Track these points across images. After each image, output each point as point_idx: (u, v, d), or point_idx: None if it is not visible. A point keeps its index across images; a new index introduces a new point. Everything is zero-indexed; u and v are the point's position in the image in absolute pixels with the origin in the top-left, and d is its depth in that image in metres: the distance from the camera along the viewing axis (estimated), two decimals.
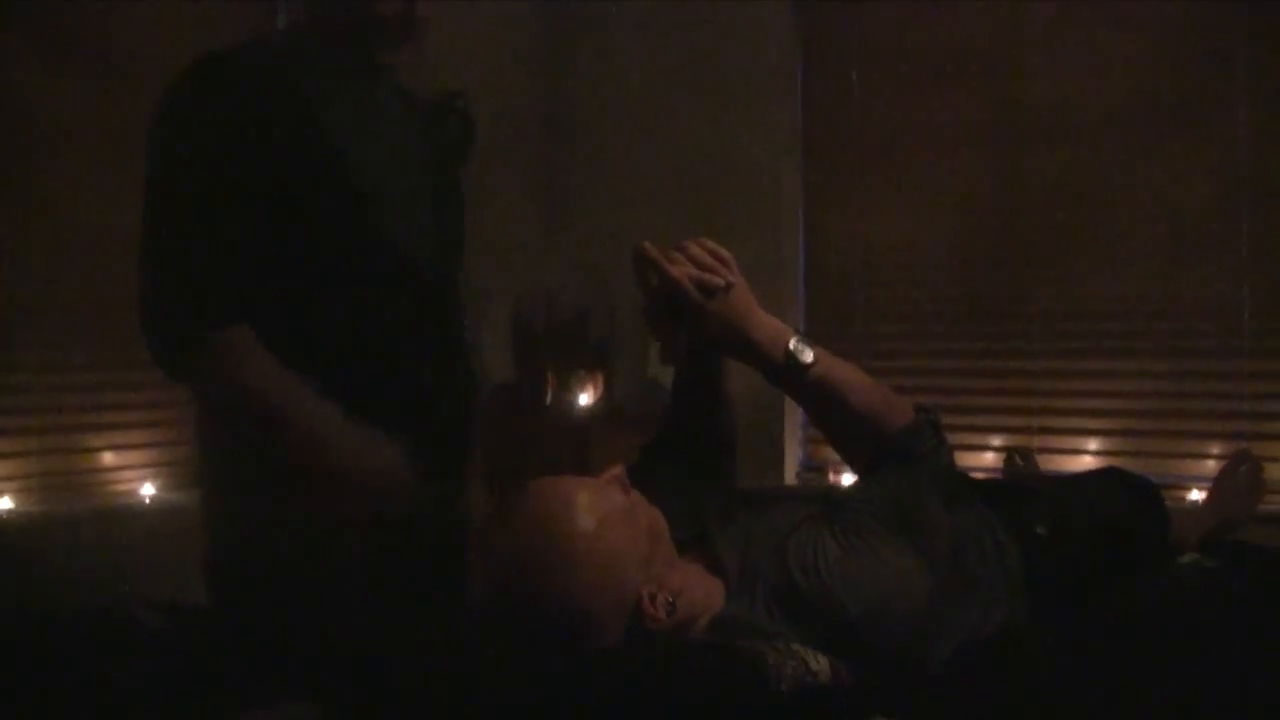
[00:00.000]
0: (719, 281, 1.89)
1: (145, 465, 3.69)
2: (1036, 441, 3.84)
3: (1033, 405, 3.94)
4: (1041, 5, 4.02)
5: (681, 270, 1.89)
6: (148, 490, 3.66)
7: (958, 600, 1.79)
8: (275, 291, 1.99)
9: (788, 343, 1.88)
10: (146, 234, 1.98)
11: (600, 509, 1.58)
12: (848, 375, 1.90)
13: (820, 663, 1.50)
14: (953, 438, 2.12)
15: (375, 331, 2.11)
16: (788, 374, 1.87)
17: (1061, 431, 3.87)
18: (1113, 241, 3.87)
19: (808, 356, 1.87)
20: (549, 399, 4.30)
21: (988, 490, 2.14)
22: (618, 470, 1.65)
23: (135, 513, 3.62)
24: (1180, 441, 3.66)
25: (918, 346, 4.15)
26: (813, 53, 4.47)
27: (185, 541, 3.38)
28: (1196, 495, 3.32)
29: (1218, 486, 2.93)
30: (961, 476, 2.15)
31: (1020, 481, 2.76)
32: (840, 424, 1.93)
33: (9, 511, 3.38)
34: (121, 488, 3.66)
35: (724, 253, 1.92)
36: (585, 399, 4.30)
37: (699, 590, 1.63)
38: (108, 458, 3.66)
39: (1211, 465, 3.47)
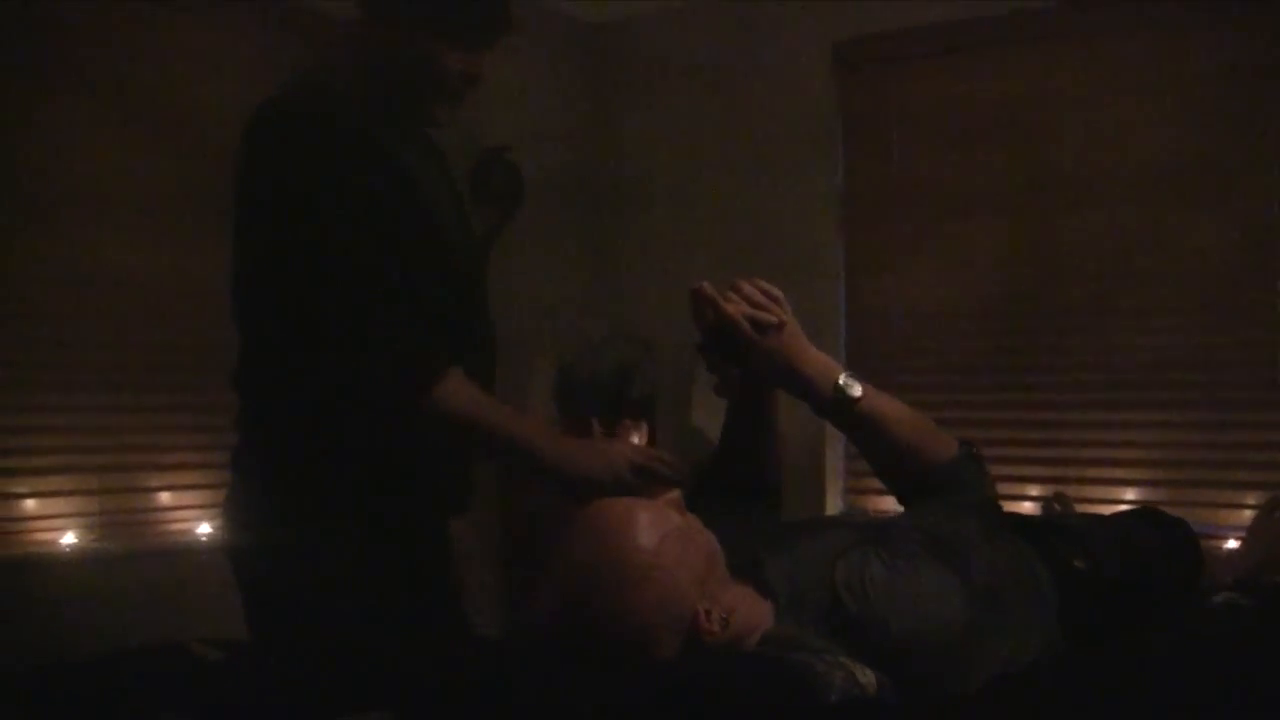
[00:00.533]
0: (771, 319, 1.98)
1: (201, 505, 3.79)
2: (1073, 491, 3.90)
3: (1069, 456, 4.02)
4: (1073, 72, 4.14)
5: (736, 307, 1.98)
6: (204, 529, 3.76)
7: (995, 628, 1.85)
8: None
9: (837, 378, 1.97)
10: (348, 292, 2.03)
11: (660, 529, 1.67)
12: (893, 409, 1.99)
13: (868, 676, 1.57)
14: None
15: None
16: (836, 407, 1.96)
17: (1097, 482, 3.94)
18: (1145, 298, 3.98)
19: (856, 391, 1.96)
20: None
21: (1026, 525, 2.21)
22: (674, 495, 1.74)
23: (191, 550, 3.72)
24: (1215, 491, 3.73)
25: (956, 399, 4.24)
26: (852, 118, 4.62)
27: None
28: (1233, 545, 3.37)
29: (1253, 532, 2.98)
30: (1002, 510, 2.23)
31: (1058, 519, 2.82)
32: (886, 455, 2.02)
33: (71, 547, 3.48)
34: (178, 526, 3.76)
35: (776, 292, 2.02)
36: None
37: (750, 609, 1.72)
38: (165, 497, 3.77)
39: (1247, 515, 3.53)
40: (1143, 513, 2.52)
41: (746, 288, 2.01)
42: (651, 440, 4.45)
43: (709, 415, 4.63)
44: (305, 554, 2.09)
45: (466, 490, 2.37)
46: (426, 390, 2.02)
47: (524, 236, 4.43)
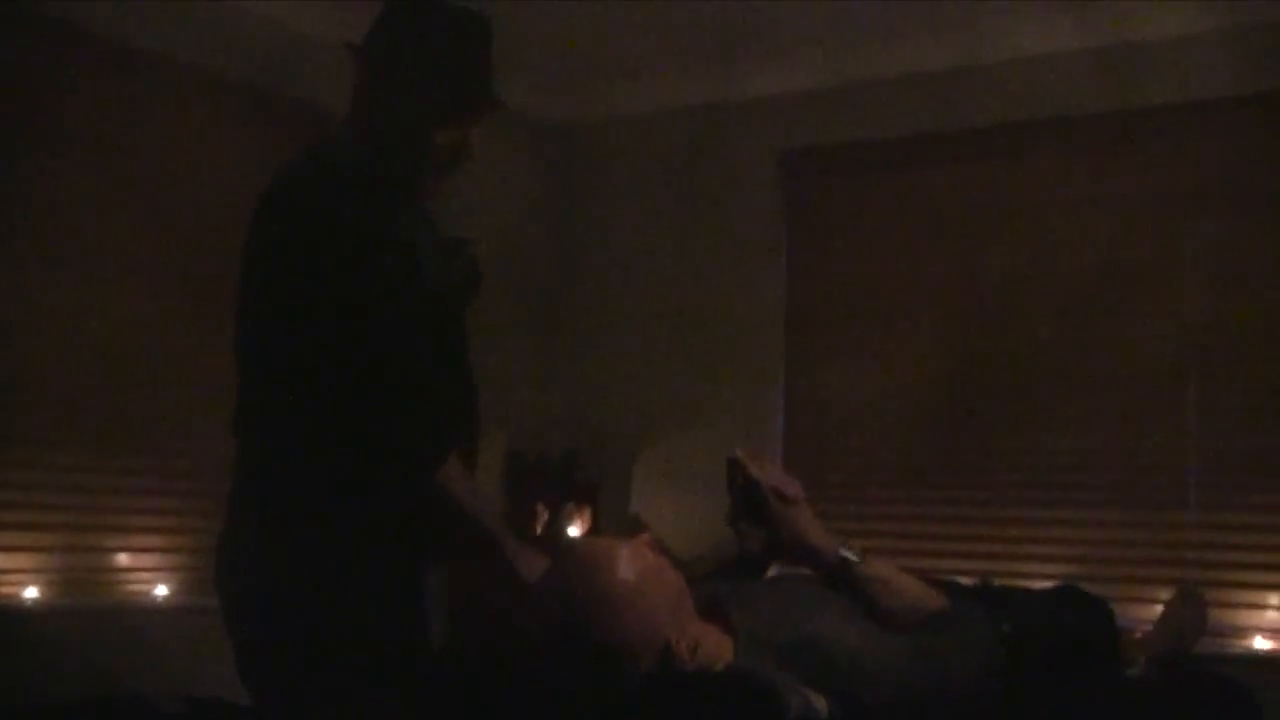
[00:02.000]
0: (791, 493, 2.24)
1: (159, 568, 3.89)
2: (999, 581, 4.09)
3: (996, 551, 4.21)
4: (1007, 187, 4.41)
5: (764, 475, 2.21)
6: (160, 590, 3.85)
7: (933, 667, 2.04)
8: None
9: (838, 549, 2.21)
10: (358, 383, 2.13)
11: (638, 565, 1.86)
12: (886, 571, 2.22)
13: (820, 701, 1.75)
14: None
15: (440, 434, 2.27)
16: (840, 571, 2.19)
17: (1022, 576, 4.13)
18: (1069, 402, 4.21)
19: (854, 558, 2.20)
20: (539, 529, 4.53)
21: (961, 591, 2.40)
22: (647, 536, 1.92)
23: (148, 611, 3.81)
24: (1131, 586, 3.93)
25: (890, 495, 4.45)
26: (796, 223, 4.85)
27: (196, 640, 3.60)
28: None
29: (1165, 616, 3.18)
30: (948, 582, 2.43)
31: (990, 589, 3.02)
32: (887, 607, 2.21)
33: (33, 601, 3.56)
34: (136, 587, 3.85)
35: (795, 482, 2.28)
36: (573, 530, 4.54)
37: (715, 642, 1.89)
38: (123, 558, 3.86)
39: (1157, 609, 3.73)
40: (1066, 590, 2.72)
41: (771, 467, 2.29)
42: (594, 524, 4.60)
43: (647, 504, 4.81)
44: (305, 588, 2.17)
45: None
46: (432, 475, 2.14)
47: (478, 323, 4.59)
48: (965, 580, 4.06)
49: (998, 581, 4.01)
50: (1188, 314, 4.09)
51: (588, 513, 4.61)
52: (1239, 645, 3.81)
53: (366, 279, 2.14)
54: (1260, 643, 3.81)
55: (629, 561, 1.85)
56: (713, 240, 4.90)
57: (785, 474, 2.33)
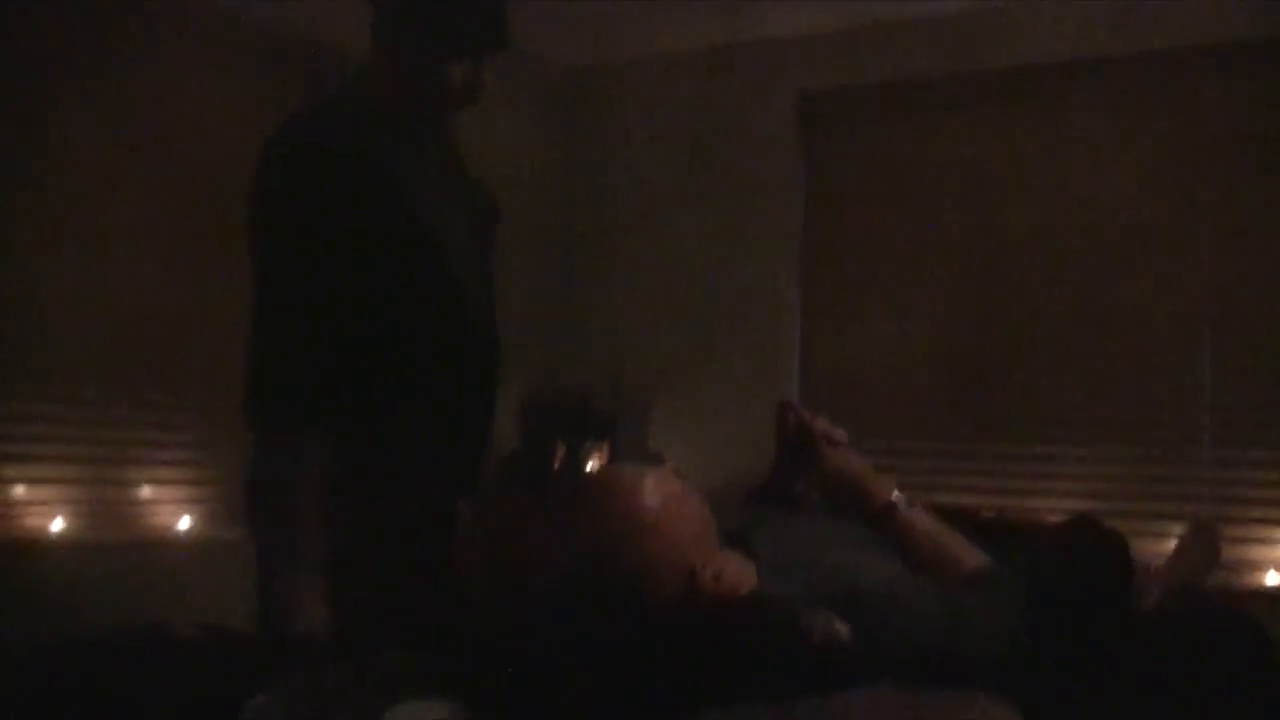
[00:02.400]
0: (838, 436, 2.26)
1: (182, 500, 3.94)
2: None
3: (1011, 487, 4.25)
4: (1030, 135, 4.41)
5: (813, 419, 2.25)
6: (183, 523, 3.90)
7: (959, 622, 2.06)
8: (358, 352, 2.22)
9: (890, 492, 2.21)
10: (255, 316, 2.19)
11: (662, 491, 1.89)
12: (929, 522, 2.22)
13: (843, 628, 1.78)
14: None
15: (445, 378, 2.33)
16: (885, 514, 2.19)
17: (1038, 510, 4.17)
18: (1088, 348, 4.23)
19: (902, 503, 2.20)
20: (556, 467, 4.56)
21: (975, 522, 2.42)
22: (671, 464, 1.95)
23: (171, 543, 3.87)
24: (1146, 522, 3.96)
25: (907, 443, 4.46)
26: (815, 168, 4.84)
27: (218, 572, 3.65)
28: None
29: (1179, 549, 3.21)
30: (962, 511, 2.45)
31: (1009, 521, 3.05)
32: (924, 560, 2.23)
33: (59, 532, 3.62)
34: (159, 519, 3.91)
35: (841, 430, 2.29)
36: (590, 467, 4.57)
37: (739, 569, 1.92)
38: (146, 491, 3.91)
39: (1169, 545, 3.77)
40: (1082, 521, 2.74)
41: (821, 418, 2.28)
42: (612, 461, 4.63)
43: (664, 442, 4.84)
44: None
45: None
46: (270, 430, 2.18)
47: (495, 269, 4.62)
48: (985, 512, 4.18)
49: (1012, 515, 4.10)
50: (1206, 262, 4.11)
51: (606, 449, 4.63)
52: (1252, 580, 3.85)
53: (368, 229, 2.19)
54: (1273, 577, 3.85)
55: (654, 488, 1.88)
56: (729, 184, 4.91)
57: (831, 424, 2.35)
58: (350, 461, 2.21)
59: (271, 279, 2.19)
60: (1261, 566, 3.88)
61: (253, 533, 2.25)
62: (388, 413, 2.27)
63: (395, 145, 2.30)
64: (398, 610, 2.20)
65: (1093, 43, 4.24)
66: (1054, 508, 4.04)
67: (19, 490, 3.61)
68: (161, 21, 3.90)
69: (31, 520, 3.61)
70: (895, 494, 2.25)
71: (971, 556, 2.17)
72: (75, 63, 3.71)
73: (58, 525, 3.63)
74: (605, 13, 4.90)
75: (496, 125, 4.55)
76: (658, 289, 5.00)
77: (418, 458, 2.29)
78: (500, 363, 2.47)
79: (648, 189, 5.05)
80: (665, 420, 4.92)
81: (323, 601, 2.12)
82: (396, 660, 1.90)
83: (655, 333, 4.98)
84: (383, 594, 2.22)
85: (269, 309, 2.18)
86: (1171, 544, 3.78)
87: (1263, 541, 3.91)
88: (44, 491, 3.65)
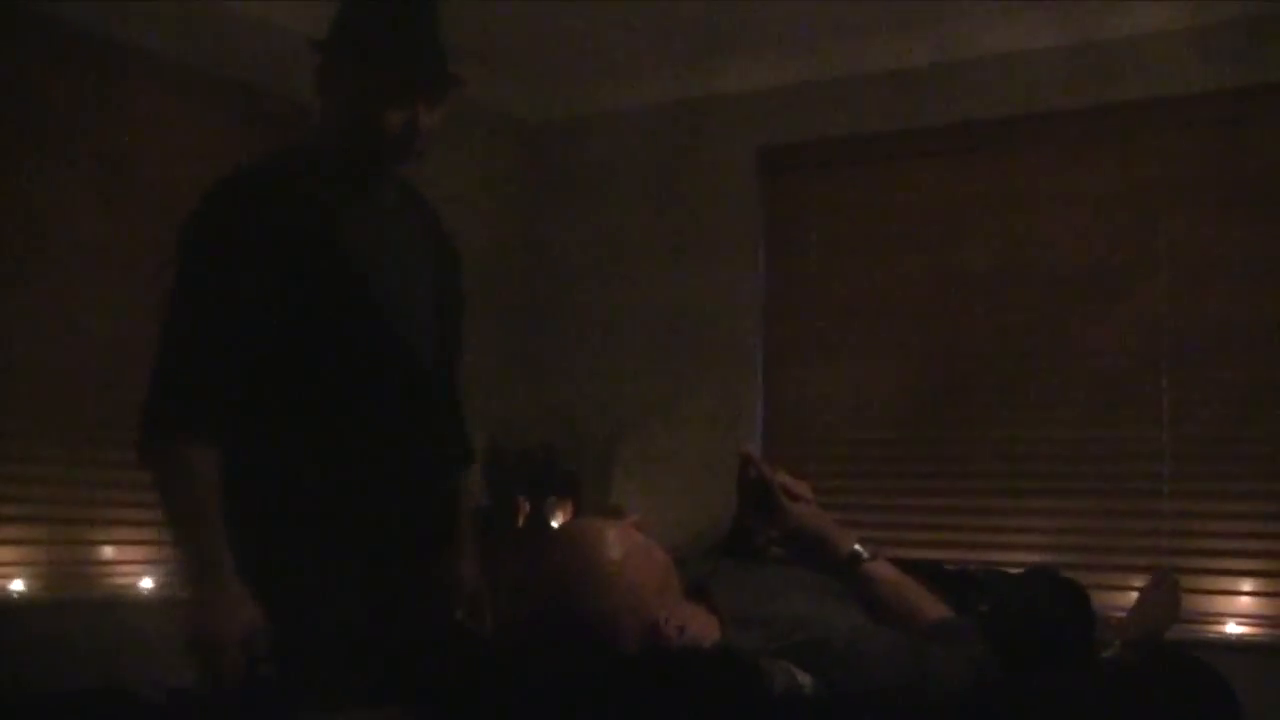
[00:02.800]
0: (800, 489, 2.29)
1: (144, 561, 3.91)
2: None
3: (975, 540, 4.27)
4: (984, 182, 4.48)
5: (774, 473, 2.28)
6: (146, 583, 3.87)
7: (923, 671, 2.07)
8: (278, 390, 2.25)
9: (851, 544, 2.23)
10: (163, 330, 2.24)
11: (625, 544, 1.90)
12: (892, 572, 2.25)
13: (804, 678, 1.79)
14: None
15: (381, 423, 2.34)
16: (848, 565, 2.21)
17: (999, 564, 4.18)
18: (1045, 394, 4.27)
19: (864, 555, 2.22)
20: (520, 522, 4.57)
21: (939, 573, 2.44)
22: (635, 517, 1.97)
23: (133, 603, 3.83)
24: (1107, 574, 3.99)
25: (866, 485, 4.51)
26: (775, 219, 4.90)
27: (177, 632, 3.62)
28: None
29: (1140, 601, 3.23)
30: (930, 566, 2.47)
31: (968, 571, 3.07)
32: (887, 610, 2.25)
33: (19, 594, 3.58)
34: (121, 580, 3.87)
35: (804, 483, 2.32)
36: (555, 522, 4.57)
37: (702, 622, 1.93)
38: (108, 551, 3.88)
39: (1132, 596, 3.79)
40: (1041, 572, 2.76)
41: (782, 471, 2.31)
42: (577, 514, 4.64)
43: (628, 497, 4.85)
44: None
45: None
46: (151, 441, 2.21)
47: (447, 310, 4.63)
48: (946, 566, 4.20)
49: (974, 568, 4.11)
50: (1161, 308, 4.17)
51: (570, 505, 4.65)
52: (1213, 631, 3.88)
53: (287, 258, 2.24)
54: (1233, 628, 3.88)
55: (617, 541, 1.89)
56: (691, 235, 4.96)
57: (792, 476, 2.37)
58: (265, 471, 2.25)
59: (179, 295, 2.24)
60: (1222, 618, 3.92)
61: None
62: (290, 428, 2.28)
63: (335, 189, 2.34)
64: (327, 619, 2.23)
65: (1041, 95, 4.32)
66: (1015, 560, 4.06)
67: None
68: (132, 72, 3.92)
69: None
70: (857, 545, 2.26)
71: (934, 607, 2.19)
72: (44, 112, 3.72)
73: (18, 585, 3.59)
74: (571, 71, 4.96)
75: (464, 179, 4.60)
76: (621, 342, 5.03)
77: (328, 470, 2.30)
78: (435, 392, 2.47)
79: (611, 243, 5.10)
80: (628, 473, 4.93)
81: (250, 602, 2.13)
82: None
83: (618, 385, 5.01)
84: (313, 601, 2.24)
85: (169, 324, 2.24)
86: (1133, 595, 3.81)
87: (1223, 592, 3.94)
88: (4, 552, 3.61)
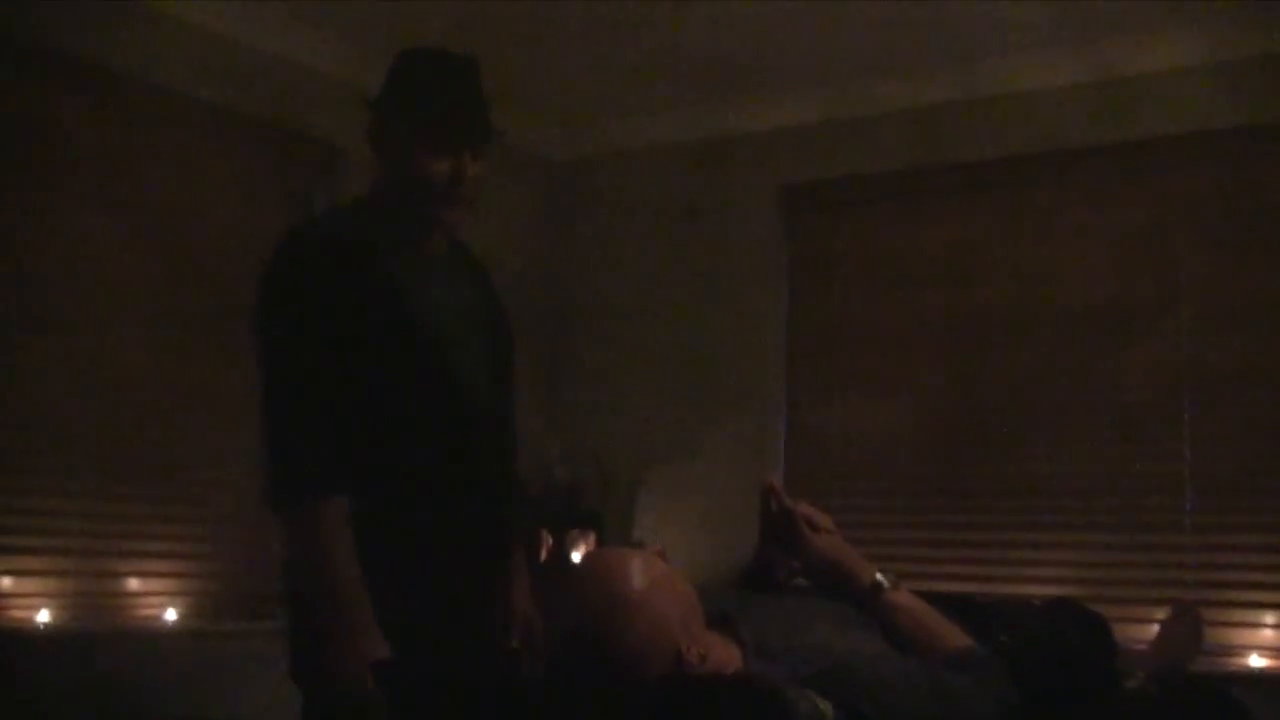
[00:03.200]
0: (823, 521, 2.32)
1: (168, 592, 3.94)
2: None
3: (996, 574, 4.27)
4: (1003, 220, 4.50)
5: (796, 504, 2.31)
6: (170, 614, 3.90)
7: (946, 701, 2.08)
8: (368, 438, 2.34)
9: (874, 574, 2.25)
10: (265, 399, 2.32)
11: (649, 574, 1.92)
12: (914, 602, 2.26)
13: (826, 707, 1.80)
14: None
15: (450, 468, 2.43)
16: (870, 595, 2.23)
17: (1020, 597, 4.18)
18: (1065, 428, 4.28)
19: (886, 584, 2.24)
20: (543, 556, 4.58)
21: (958, 604, 2.45)
22: (658, 547, 1.99)
23: (158, 634, 3.86)
24: (1129, 607, 3.98)
25: (888, 519, 4.51)
26: (797, 257, 4.93)
27: (204, 663, 3.66)
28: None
29: (1162, 634, 3.24)
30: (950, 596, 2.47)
31: (987, 601, 3.08)
32: (908, 640, 2.27)
33: (45, 625, 3.61)
34: (146, 611, 3.90)
35: (825, 515, 2.34)
36: (577, 557, 4.59)
37: (724, 651, 1.95)
38: (133, 583, 3.91)
39: (1153, 630, 3.79)
40: (1062, 603, 2.77)
41: (804, 503, 2.35)
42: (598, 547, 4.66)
43: (649, 531, 4.87)
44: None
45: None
46: (289, 504, 2.29)
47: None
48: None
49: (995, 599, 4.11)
50: (1183, 344, 4.17)
51: (593, 540, 4.66)
52: (1235, 664, 3.87)
53: (361, 315, 2.34)
54: (1256, 660, 3.87)
55: (641, 570, 1.91)
56: (713, 274, 5.00)
57: (815, 507, 2.39)
58: (374, 532, 2.31)
59: (277, 361, 2.33)
60: (1244, 651, 3.90)
61: (297, 614, 2.37)
62: (395, 487, 2.37)
63: (393, 240, 2.45)
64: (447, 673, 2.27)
65: (1063, 133, 4.35)
66: (1036, 591, 4.07)
67: (5, 582, 3.60)
68: (158, 112, 3.98)
69: (17, 612, 3.59)
70: (879, 575, 2.28)
71: (955, 637, 2.19)
72: (73, 150, 3.77)
73: (43, 617, 3.62)
74: (593, 110, 5.01)
75: (490, 218, 4.64)
76: (644, 378, 5.06)
77: (432, 523, 2.40)
78: (508, 438, 2.61)
79: (635, 281, 5.14)
80: (651, 508, 4.95)
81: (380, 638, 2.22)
82: None
83: (642, 421, 5.03)
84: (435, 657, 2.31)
85: (277, 389, 2.32)
86: (1154, 629, 3.81)
87: (1245, 625, 3.93)
88: (30, 584, 3.64)
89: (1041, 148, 4.41)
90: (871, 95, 4.68)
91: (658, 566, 1.94)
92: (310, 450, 2.28)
